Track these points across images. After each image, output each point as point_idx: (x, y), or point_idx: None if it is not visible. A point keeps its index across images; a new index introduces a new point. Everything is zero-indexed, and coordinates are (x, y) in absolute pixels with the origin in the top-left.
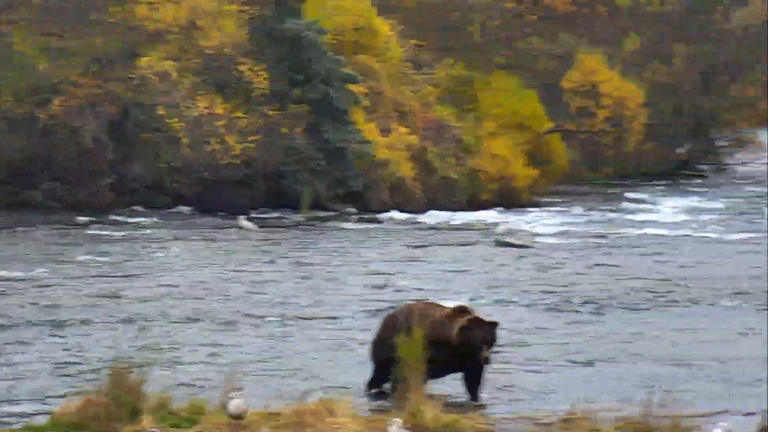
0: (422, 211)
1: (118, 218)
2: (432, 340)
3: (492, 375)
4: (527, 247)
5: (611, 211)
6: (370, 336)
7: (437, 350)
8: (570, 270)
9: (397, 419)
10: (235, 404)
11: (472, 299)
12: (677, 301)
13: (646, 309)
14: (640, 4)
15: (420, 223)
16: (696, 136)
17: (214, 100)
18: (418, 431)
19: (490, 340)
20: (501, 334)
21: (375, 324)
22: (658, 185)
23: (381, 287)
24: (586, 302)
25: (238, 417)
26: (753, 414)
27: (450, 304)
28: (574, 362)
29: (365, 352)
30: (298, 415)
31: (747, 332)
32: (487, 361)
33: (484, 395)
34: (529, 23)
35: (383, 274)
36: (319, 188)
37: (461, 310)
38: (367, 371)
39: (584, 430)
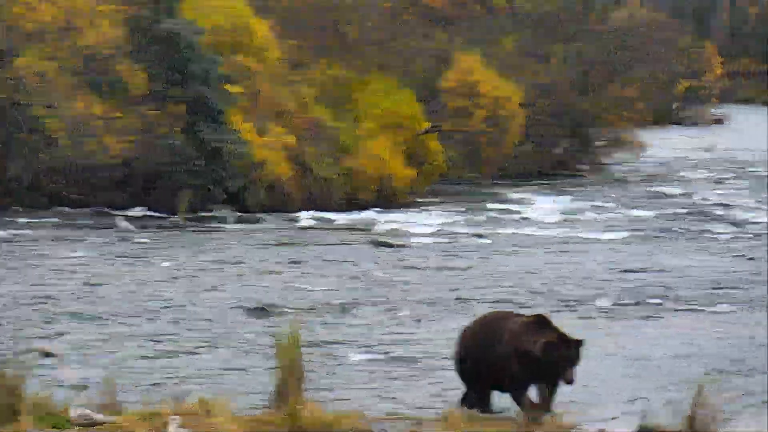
0: (300, 211)
1: None
2: (513, 352)
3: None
4: (405, 246)
5: (489, 210)
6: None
7: (518, 363)
8: (446, 269)
9: (176, 417)
10: (77, 413)
11: (354, 300)
12: (560, 301)
13: (528, 307)
14: (517, 4)
15: (298, 223)
16: (574, 136)
17: (92, 100)
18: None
19: (575, 359)
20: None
21: (254, 323)
22: (536, 185)
23: (257, 287)
24: (462, 300)
25: (83, 424)
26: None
27: (527, 313)
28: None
29: (242, 351)
30: (176, 416)
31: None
32: (571, 382)
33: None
34: (405, 23)
35: (260, 273)
36: (197, 188)
37: (541, 322)
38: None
39: (462, 428)
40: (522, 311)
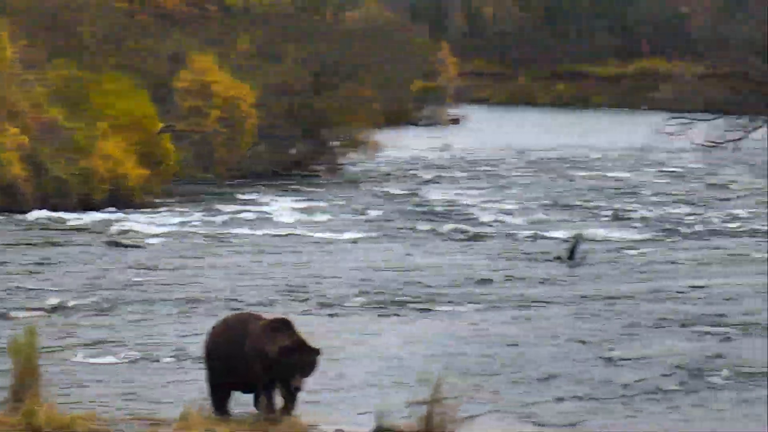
0: (34, 211)
1: None
2: (250, 352)
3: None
4: (138, 247)
5: (224, 212)
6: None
7: (253, 364)
8: (180, 270)
9: None
10: None
11: (93, 301)
12: (309, 301)
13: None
14: (251, 4)
15: (31, 223)
16: (309, 137)
17: None
18: None
19: (309, 367)
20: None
21: None
22: (271, 185)
23: None
24: (197, 302)
25: None
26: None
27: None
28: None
29: None
30: None
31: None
32: (298, 389)
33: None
34: (139, 23)
35: None
36: None
37: (282, 325)
38: None
39: (200, 428)
40: (273, 311)
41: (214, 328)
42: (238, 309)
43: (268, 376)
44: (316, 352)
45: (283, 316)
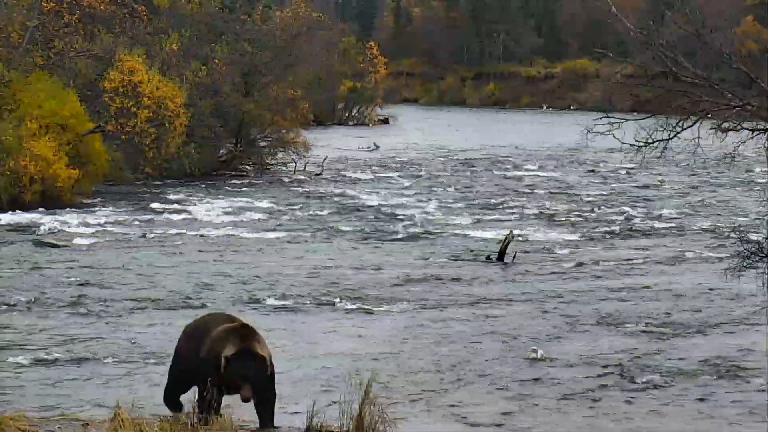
0: None
1: None
2: (205, 355)
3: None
4: (67, 246)
5: (154, 211)
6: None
7: (213, 369)
8: (110, 270)
9: None
10: None
11: (21, 301)
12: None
13: (191, 309)
14: (179, 4)
15: None
16: (238, 137)
17: None
18: None
19: (252, 377)
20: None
21: None
22: (201, 185)
23: None
24: (124, 301)
25: None
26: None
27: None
28: (111, 362)
29: None
30: None
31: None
32: (247, 400)
33: None
34: (68, 23)
35: None
36: None
37: (242, 331)
38: None
39: (130, 429)
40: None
41: (187, 326)
42: (166, 309)
43: (219, 380)
44: (262, 359)
45: (245, 322)
